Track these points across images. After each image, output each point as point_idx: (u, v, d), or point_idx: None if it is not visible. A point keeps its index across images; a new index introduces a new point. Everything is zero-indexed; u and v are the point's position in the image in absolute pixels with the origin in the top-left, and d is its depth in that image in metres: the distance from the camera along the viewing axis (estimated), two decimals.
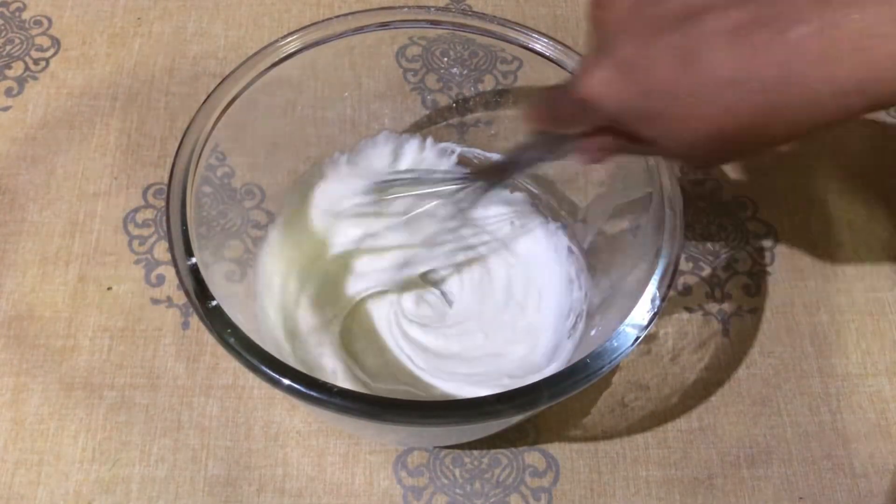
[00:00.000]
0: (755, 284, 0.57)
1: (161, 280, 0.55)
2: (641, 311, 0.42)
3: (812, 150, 0.62)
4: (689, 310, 0.55)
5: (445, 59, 0.59)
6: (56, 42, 0.64)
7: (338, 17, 0.50)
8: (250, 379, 0.52)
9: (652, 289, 0.42)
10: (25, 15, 0.65)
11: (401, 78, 0.59)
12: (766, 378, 0.53)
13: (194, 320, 0.54)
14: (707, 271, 0.57)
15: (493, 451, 0.50)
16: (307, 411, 0.51)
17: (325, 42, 0.50)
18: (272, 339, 0.49)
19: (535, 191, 0.55)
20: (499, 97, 0.57)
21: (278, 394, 0.52)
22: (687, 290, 0.56)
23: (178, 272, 0.42)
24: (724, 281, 0.56)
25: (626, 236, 0.50)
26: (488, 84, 0.57)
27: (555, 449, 0.51)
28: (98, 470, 0.49)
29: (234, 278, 0.49)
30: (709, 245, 0.58)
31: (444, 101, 0.58)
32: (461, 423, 0.40)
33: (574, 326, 0.50)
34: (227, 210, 0.49)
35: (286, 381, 0.39)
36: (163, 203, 0.58)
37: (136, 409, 0.51)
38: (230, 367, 0.52)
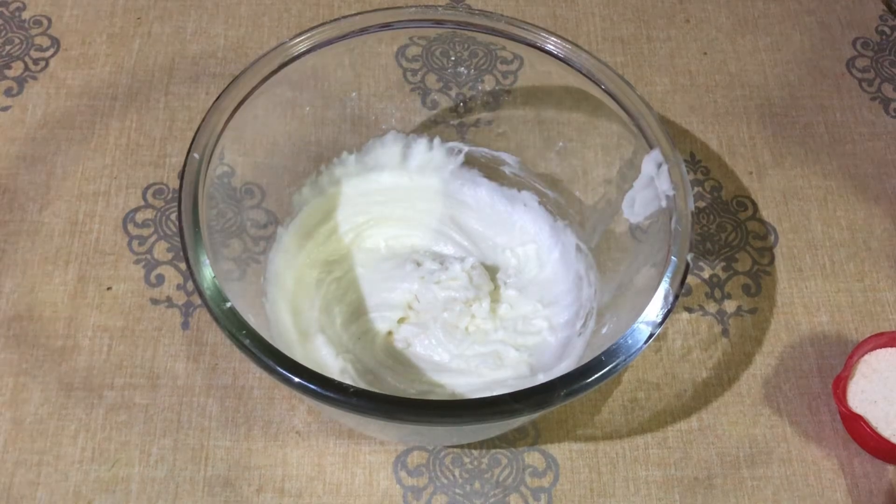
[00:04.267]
0: (755, 284, 0.57)
1: (161, 280, 0.55)
2: (655, 308, 0.42)
3: (811, 149, 0.62)
4: (689, 310, 0.55)
5: (445, 59, 0.59)
6: (56, 42, 0.64)
7: (345, 17, 0.50)
8: (250, 379, 0.52)
9: (665, 285, 0.42)
10: (25, 15, 0.65)
11: (401, 78, 0.59)
12: (766, 378, 0.53)
13: (194, 320, 0.54)
14: (707, 271, 0.57)
15: (492, 451, 0.50)
16: (306, 410, 0.51)
17: (333, 42, 0.49)
18: (283, 339, 0.49)
19: (543, 189, 0.55)
20: (499, 96, 0.57)
21: (278, 394, 0.52)
22: (687, 290, 0.56)
23: (191, 274, 0.42)
24: (724, 281, 0.56)
25: (635, 234, 0.50)
26: (488, 84, 0.57)
27: (554, 449, 0.51)
28: (98, 470, 0.49)
29: (233, 277, 0.49)
30: (709, 245, 0.58)
31: (443, 100, 0.58)
32: (477, 422, 0.40)
33: (584, 324, 0.50)
34: (227, 210, 0.49)
35: (297, 380, 0.39)
36: (162, 203, 0.58)
37: (136, 409, 0.51)
38: (230, 367, 0.52)
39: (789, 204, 0.60)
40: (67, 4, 0.66)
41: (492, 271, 0.54)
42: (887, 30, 0.68)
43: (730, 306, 0.56)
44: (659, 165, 0.47)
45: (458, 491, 0.49)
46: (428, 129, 0.57)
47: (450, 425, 0.41)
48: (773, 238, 0.58)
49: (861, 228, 0.59)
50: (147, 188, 0.58)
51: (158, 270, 0.55)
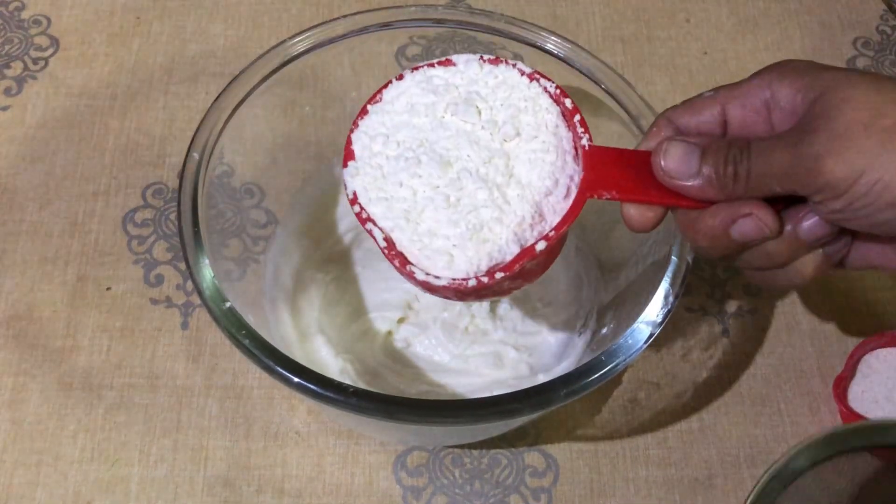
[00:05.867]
0: (755, 284, 0.56)
1: (160, 280, 0.55)
2: (655, 308, 0.42)
3: None
4: (689, 310, 0.55)
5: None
6: (55, 42, 0.64)
7: (345, 17, 0.50)
8: (250, 379, 0.52)
9: (665, 285, 0.42)
10: (24, 14, 0.65)
11: None
12: (766, 378, 0.53)
13: (193, 320, 0.54)
14: (707, 271, 0.57)
15: (492, 451, 0.50)
16: (306, 410, 0.51)
17: (333, 42, 0.49)
18: (283, 339, 0.49)
19: None
20: None
21: (277, 394, 0.51)
22: (687, 290, 0.56)
23: (191, 274, 0.42)
24: (724, 281, 0.56)
25: (635, 234, 0.50)
26: None
27: (554, 449, 0.51)
28: (97, 470, 0.49)
29: (233, 277, 0.49)
30: None
31: None
32: (477, 422, 0.40)
33: (584, 324, 0.50)
34: (227, 210, 0.49)
35: (297, 380, 0.39)
36: (162, 203, 0.58)
37: (136, 409, 0.51)
38: (230, 367, 0.52)
39: None
40: (67, 4, 0.66)
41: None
42: (888, 29, 0.68)
43: (730, 306, 0.56)
44: None
45: (458, 491, 0.49)
46: None
47: (450, 425, 0.41)
48: None
49: None
50: (146, 188, 0.58)
51: (158, 270, 0.55)
